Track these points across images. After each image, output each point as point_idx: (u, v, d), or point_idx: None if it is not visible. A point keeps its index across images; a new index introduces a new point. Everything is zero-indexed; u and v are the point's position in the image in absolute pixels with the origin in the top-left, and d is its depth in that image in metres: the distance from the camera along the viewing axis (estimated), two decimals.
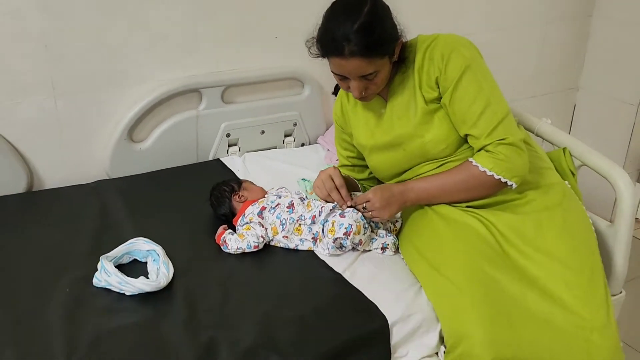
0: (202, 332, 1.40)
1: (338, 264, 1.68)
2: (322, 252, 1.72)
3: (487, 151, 1.58)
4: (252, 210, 1.79)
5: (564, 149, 1.86)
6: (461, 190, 1.62)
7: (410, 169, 1.74)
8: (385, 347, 1.46)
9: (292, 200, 1.78)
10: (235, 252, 1.72)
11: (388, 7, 1.58)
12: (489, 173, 1.57)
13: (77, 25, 1.93)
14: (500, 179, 1.57)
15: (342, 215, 1.67)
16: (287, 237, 1.74)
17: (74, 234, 1.79)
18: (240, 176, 2.15)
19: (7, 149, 1.95)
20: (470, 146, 1.64)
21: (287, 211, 1.75)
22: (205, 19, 2.11)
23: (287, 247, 1.75)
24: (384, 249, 1.74)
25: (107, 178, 2.13)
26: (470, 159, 1.60)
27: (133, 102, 2.09)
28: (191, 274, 1.62)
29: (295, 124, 2.38)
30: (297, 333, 1.40)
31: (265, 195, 1.86)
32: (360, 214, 1.68)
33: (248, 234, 1.72)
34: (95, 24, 1.95)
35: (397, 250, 1.75)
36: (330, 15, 1.55)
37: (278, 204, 1.78)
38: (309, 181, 2.08)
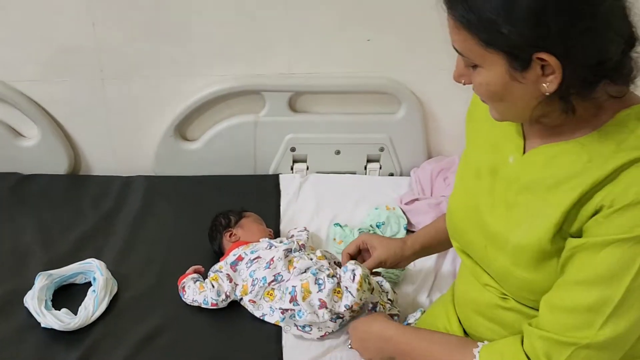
0: None
1: (296, 357, 1.30)
2: (288, 329, 1.34)
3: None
4: (231, 255, 1.48)
5: None
6: None
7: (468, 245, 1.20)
8: None
9: (274, 255, 1.42)
10: (191, 304, 1.43)
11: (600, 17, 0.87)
12: None
13: (126, 4, 1.75)
14: None
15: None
16: (254, 301, 1.40)
17: (64, 228, 1.72)
18: (285, 202, 1.84)
19: (49, 127, 1.90)
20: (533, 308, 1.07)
21: (263, 268, 1.41)
22: (279, 9, 1.79)
23: (253, 313, 1.41)
24: None
25: (151, 175, 1.97)
26: (479, 344, 1.07)
27: (185, 97, 1.90)
28: (125, 317, 1.43)
29: (382, 149, 1.97)
30: None
31: (261, 240, 1.52)
32: (315, 267, 1.36)
33: (208, 287, 1.42)
34: (147, 4, 1.76)
35: None
36: None
37: (258, 257, 1.44)
38: (342, 226, 1.69)
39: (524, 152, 1.06)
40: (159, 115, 1.92)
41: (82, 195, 1.85)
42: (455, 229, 1.23)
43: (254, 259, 1.45)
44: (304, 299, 1.29)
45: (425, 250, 1.43)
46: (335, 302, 1.30)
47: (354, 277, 1.29)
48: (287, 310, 1.30)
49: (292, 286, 1.31)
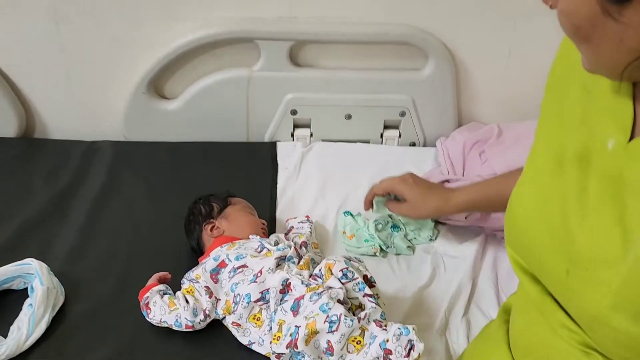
0: None
1: None
2: None
3: None
4: (211, 259, 1.14)
5: None
6: None
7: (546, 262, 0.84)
8: None
9: (264, 266, 1.08)
10: (157, 325, 1.10)
11: None
12: None
13: None
14: None
15: (294, 312, 1.01)
16: (238, 324, 1.07)
17: (5, 211, 1.39)
18: (283, 178, 1.51)
19: None
20: None
21: (249, 281, 1.08)
22: None
23: (239, 340, 1.09)
24: None
25: (120, 140, 1.63)
26: None
27: (161, 44, 1.55)
28: (72, 340, 1.12)
29: (403, 114, 1.63)
30: None
31: (251, 237, 1.18)
32: (324, 301, 1.00)
33: (182, 304, 1.09)
34: None
35: None
36: None
37: (243, 267, 1.10)
38: (354, 216, 1.36)
39: (632, 137, 0.71)
40: (129, 67, 1.58)
41: (34, 166, 1.52)
42: (519, 239, 0.87)
43: (238, 268, 1.11)
44: (307, 342, 0.95)
45: (474, 207, 1.28)
46: (350, 352, 0.96)
47: (409, 350, 0.94)
48: (282, 354, 0.97)
49: (295, 327, 0.98)
